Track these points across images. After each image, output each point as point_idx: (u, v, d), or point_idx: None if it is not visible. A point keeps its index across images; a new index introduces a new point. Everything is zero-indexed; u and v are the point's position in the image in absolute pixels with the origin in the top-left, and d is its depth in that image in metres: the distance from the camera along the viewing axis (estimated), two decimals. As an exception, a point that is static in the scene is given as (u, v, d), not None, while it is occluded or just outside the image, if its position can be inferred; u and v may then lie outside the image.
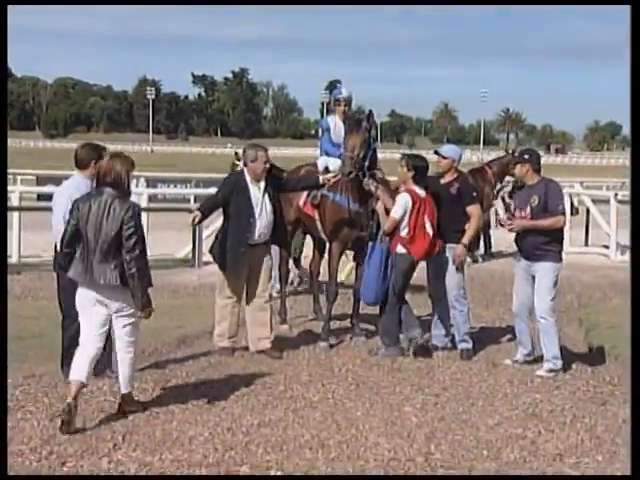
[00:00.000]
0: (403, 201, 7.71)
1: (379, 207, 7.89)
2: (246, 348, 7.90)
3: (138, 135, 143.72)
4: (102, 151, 6.83)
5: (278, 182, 7.97)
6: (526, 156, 7.56)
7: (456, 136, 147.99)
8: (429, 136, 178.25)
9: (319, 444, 5.38)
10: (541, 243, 7.38)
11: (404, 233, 7.72)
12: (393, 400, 6.44)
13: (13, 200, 14.05)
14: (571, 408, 6.29)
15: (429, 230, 7.73)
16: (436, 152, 8.19)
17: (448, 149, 8.32)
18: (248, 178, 7.66)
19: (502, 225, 7.78)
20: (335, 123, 8.95)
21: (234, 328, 7.82)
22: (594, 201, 17.35)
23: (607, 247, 16.40)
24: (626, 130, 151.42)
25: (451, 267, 7.94)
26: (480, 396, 6.60)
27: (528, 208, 7.42)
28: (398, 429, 5.72)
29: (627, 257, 15.01)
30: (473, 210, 7.98)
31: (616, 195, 16.50)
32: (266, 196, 7.67)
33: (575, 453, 5.35)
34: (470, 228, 7.98)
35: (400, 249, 7.73)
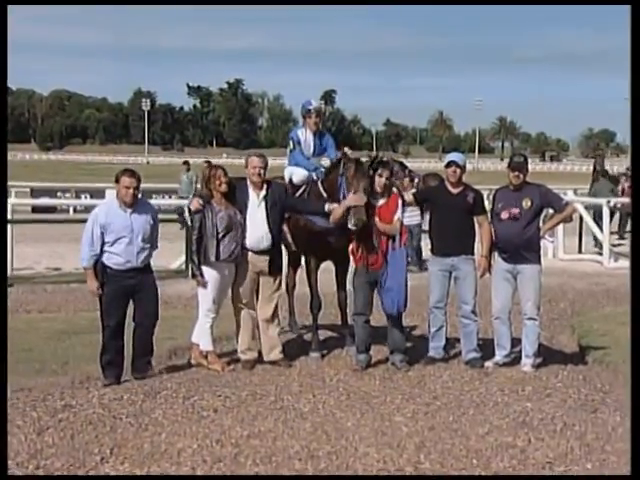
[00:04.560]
0: None
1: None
2: (237, 360, 7.88)
3: (134, 147, 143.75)
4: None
5: (284, 198, 7.84)
6: (523, 160, 7.86)
7: (451, 144, 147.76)
8: (424, 145, 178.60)
9: (308, 455, 5.35)
10: (527, 246, 7.60)
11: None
12: (384, 410, 6.42)
13: (6, 212, 13.99)
14: (562, 416, 6.26)
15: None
16: (453, 162, 7.84)
17: (461, 158, 8.04)
18: (249, 184, 7.70)
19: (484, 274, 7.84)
20: (305, 136, 8.67)
21: (253, 339, 7.84)
22: (587, 208, 17.36)
23: (600, 254, 16.42)
24: (620, 137, 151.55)
25: (470, 279, 7.82)
26: (471, 405, 6.58)
27: (517, 209, 7.57)
28: (388, 439, 5.69)
29: (620, 264, 15.03)
30: (485, 220, 7.87)
31: (609, 202, 16.52)
32: (263, 205, 7.66)
33: (565, 461, 5.33)
34: (486, 237, 7.83)
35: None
